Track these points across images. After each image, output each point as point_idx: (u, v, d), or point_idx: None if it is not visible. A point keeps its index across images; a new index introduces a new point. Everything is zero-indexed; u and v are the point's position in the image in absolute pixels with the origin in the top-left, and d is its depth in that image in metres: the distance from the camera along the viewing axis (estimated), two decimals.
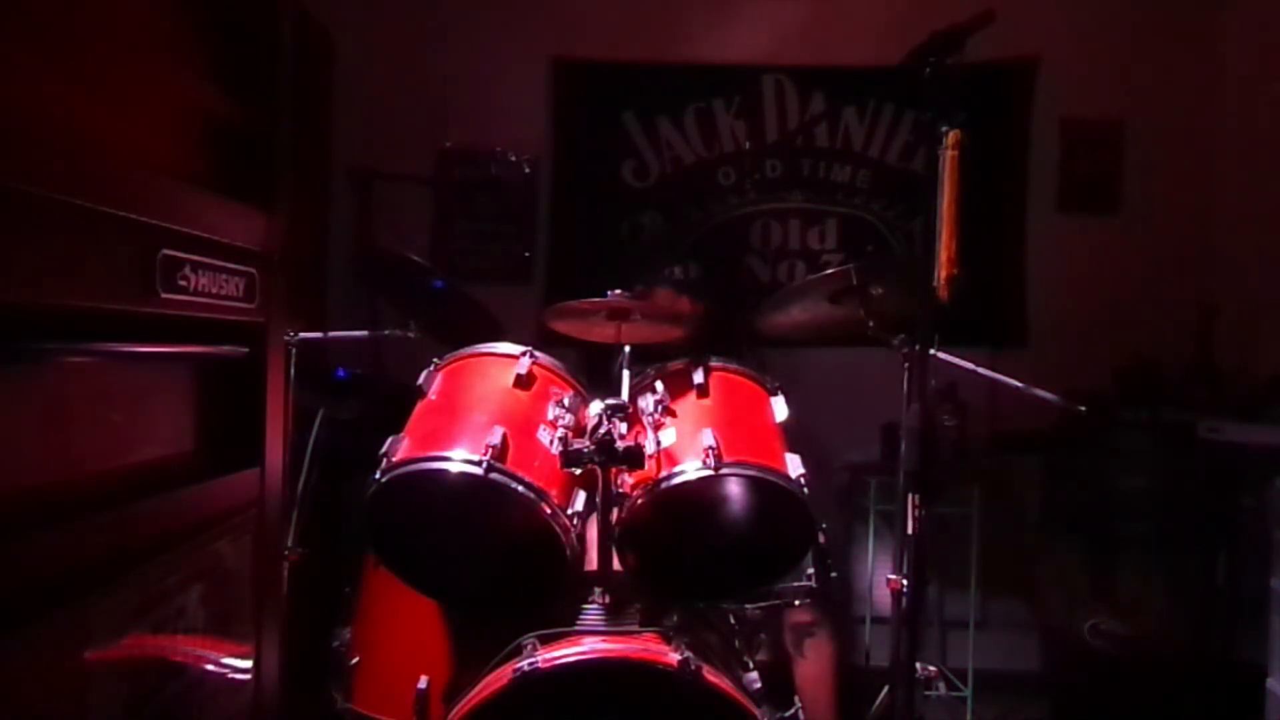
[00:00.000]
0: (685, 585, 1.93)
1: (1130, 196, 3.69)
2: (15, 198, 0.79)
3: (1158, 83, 3.65)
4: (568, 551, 1.75)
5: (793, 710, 1.86)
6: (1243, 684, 2.46)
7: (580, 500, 1.80)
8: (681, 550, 1.92)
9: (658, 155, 3.74)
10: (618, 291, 2.02)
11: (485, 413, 1.85)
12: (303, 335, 2.18)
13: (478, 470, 1.70)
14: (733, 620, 2.10)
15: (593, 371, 2.18)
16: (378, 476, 1.76)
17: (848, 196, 3.75)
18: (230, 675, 1.22)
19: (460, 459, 1.73)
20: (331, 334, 2.38)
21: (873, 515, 3.30)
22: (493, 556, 1.91)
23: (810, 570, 2.04)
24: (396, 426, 1.90)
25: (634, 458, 1.73)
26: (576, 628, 1.73)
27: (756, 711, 1.58)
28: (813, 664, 2.60)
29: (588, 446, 1.72)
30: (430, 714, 1.87)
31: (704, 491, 1.83)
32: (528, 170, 3.72)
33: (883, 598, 3.30)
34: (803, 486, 1.79)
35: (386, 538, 1.86)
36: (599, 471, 1.79)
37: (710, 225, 3.75)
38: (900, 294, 2.14)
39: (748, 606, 2.07)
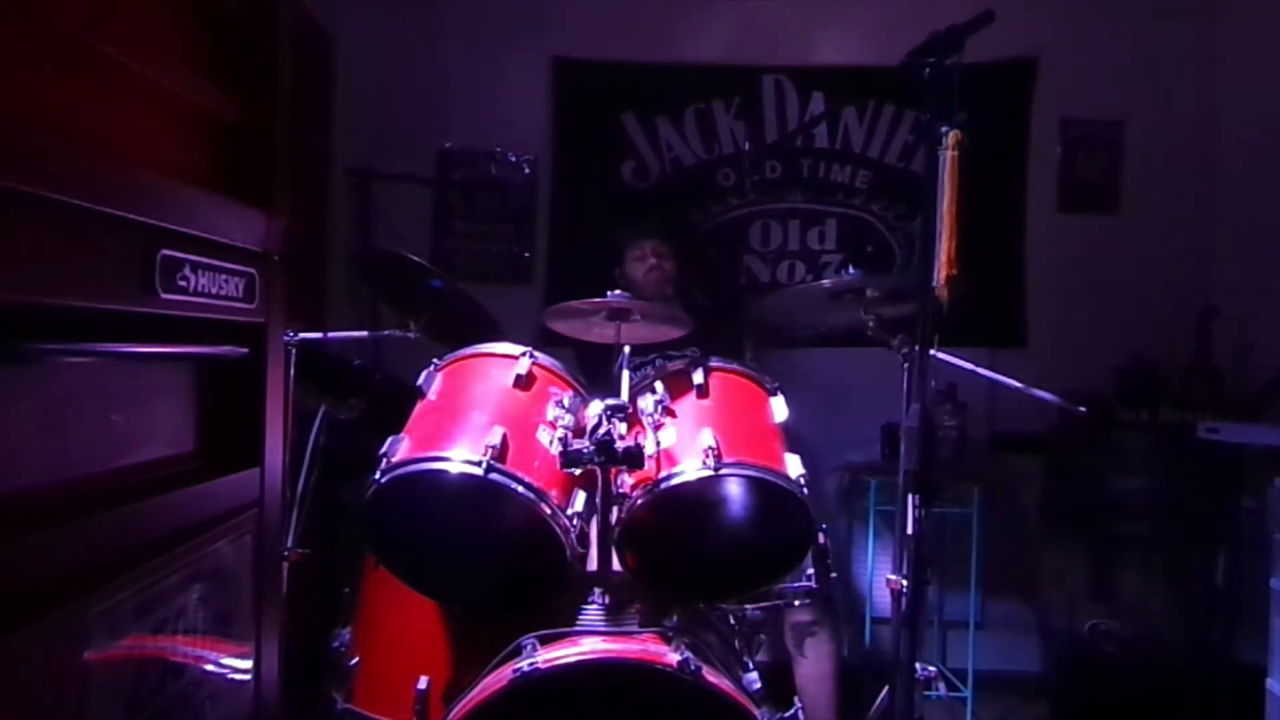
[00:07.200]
0: (685, 585, 1.93)
1: (1130, 196, 3.69)
2: (14, 197, 0.79)
3: (1158, 83, 3.65)
4: (568, 552, 1.75)
5: (793, 711, 1.85)
6: (1242, 684, 2.45)
7: (580, 500, 1.80)
8: (681, 550, 1.92)
9: (658, 156, 3.73)
10: (617, 291, 2.02)
11: (485, 413, 1.85)
12: (303, 335, 2.18)
13: (477, 470, 1.70)
14: (733, 620, 2.10)
15: (593, 372, 2.18)
16: (377, 477, 1.77)
17: (847, 197, 3.74)
18: (230, 675, 1.22)
19: (460, 459, 1.73)
20: (331, 334, 2.38)
21: (873, 515, 3.30)
22: (493, 557, 1.91)
23: (810, 570, 2.04)
24: (396, 426, 1.90)
25: (634, 458, 1.73)
26: (576, 628, 1.73)
27: (756, 712, 1.58)
28: (813, 664, 2.60)
29: (588, 447, 1.72)
30: (430, 714, 1.87)
31: (704, 492, 1.83)
32: (528, 170, 3.72)
33: (883, 598, 3.31)
34: (803, 487, 1.79)
35: (386, 538, 1.86)
36: (599, 471, 1.79)
37: (710, 226, 3.75)
38: (899, 294, 2.14)
39: (748, 607, 2.07)
